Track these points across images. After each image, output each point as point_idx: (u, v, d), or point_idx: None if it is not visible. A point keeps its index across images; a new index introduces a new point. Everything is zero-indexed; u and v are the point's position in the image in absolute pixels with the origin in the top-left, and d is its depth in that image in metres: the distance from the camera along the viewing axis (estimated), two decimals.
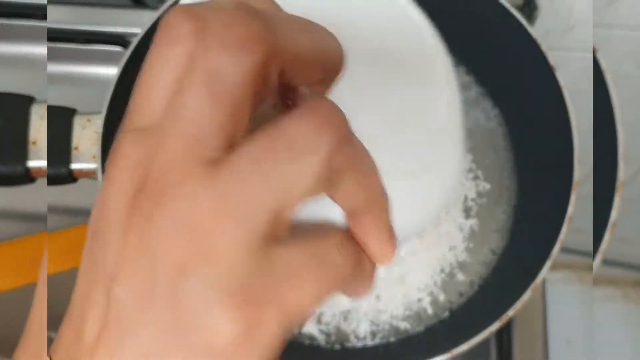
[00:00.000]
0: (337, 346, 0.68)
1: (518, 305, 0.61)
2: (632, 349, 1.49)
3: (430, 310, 0.69)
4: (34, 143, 0.65)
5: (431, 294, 0.69)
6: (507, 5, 0.72)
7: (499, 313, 0.61)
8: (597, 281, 1.50)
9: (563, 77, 0.69)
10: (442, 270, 0.70)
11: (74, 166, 0.66)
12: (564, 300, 1.37)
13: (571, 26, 0.95)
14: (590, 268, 0.70)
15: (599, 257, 0.67)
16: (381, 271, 0.68)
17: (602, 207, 0.66)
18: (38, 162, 0.65)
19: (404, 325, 0.68)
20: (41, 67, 0.82)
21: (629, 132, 1.18)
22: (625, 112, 1.13)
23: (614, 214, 0.66)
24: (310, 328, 0.68)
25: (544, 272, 0.62)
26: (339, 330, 0.68)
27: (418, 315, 0.68)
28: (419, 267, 0.69)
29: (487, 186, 0.74)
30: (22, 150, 0.65)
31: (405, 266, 0.69)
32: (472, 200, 0.73)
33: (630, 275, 1.57)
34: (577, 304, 1.42)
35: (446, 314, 0.69)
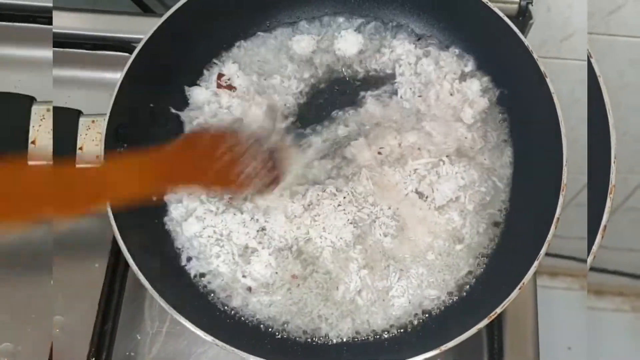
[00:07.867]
0: (331, 342, 0.70)
1: (506, 303, 0.62)
2: (631, 356, 1.49)
3: (420, 308, 0.70)
4: (33, 143, 0.67)
5: (421, 291, 0.71)
6: (501, 14, 0.73)
7: (487, 311, 0.62)
8: (601, 291, 1.50)
9: (559, 87, 0.70)
10: (433, 270, 0.71)
11: (79, 166, 0.67)
12: (565, 307, 1.37)
13: (568, 35, 0.96)
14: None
15: (591, 257, 0.67)
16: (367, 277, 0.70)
17: (594, 211, 0.67)
18: (37, 162, 0.66)
19: (394, 321, 0.69)
20: (47, 69, 0.84)
21: (636, 139, 1.16)
22: (630, 120, 1.12)
23: (605, 217, 0.66)
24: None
25: (532, 272, 0.63)
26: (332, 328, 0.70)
27: (408, 314, 0.70)
28: (409, 270, 0.71)
29: (481, 188, 0.75)
30: (21, 149, 0.66)
31: (394, 273, 0.71)
32: (466, 200, 0.74)
33: (633, 284, 1.58)
34: (579, 310, 1.42)
35: (436, 311, 0.70)
